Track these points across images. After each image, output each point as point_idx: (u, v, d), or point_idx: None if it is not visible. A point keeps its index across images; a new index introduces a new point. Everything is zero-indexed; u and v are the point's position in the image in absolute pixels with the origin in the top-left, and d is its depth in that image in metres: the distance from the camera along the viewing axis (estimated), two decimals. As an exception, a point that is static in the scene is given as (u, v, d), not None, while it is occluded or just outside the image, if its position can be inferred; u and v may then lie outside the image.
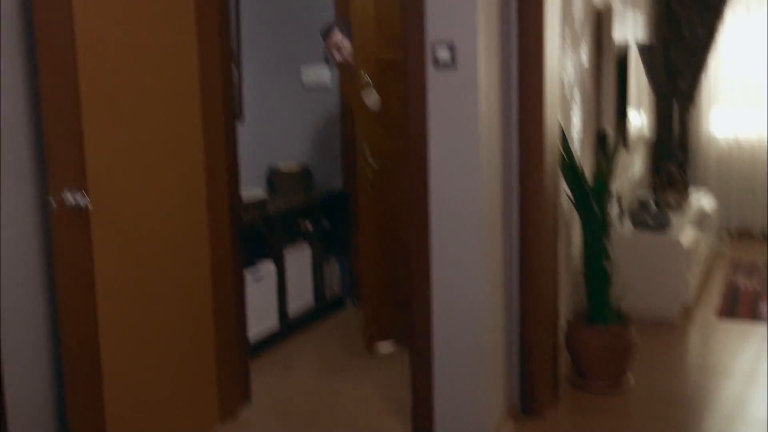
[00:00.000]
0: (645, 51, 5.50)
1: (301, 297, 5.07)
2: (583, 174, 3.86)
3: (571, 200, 3.94)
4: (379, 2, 4.23)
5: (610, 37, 4.79)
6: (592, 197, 3.84)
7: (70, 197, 2.78)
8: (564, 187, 3.88)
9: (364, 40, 4.24)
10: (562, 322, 4.03)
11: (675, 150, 6.82)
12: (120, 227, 3.01)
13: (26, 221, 2.86)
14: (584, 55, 4.55)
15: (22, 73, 2.79)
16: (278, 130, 5.52)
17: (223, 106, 3.44)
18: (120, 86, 2.96)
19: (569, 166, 3.83)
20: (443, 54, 3.04)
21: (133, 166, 3.05)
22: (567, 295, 4.34)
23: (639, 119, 5.56)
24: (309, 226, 5.11)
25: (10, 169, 2.78)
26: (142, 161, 3.08)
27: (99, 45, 2.85)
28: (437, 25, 3.06)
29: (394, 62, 4.07)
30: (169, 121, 3.19)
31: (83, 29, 2.78)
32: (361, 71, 4.21)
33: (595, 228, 3.87)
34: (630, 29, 5.46)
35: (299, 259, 5.02)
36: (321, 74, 5.42)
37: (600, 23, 4.79)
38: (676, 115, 6.82)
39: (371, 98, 4.19)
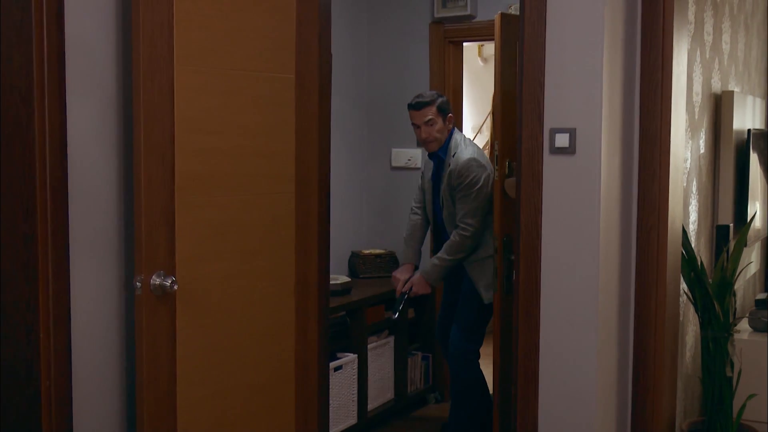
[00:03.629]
0: (760, 138, 5.33)
1: (381, 392, 4.95)
2: (703, 271, 3.69)
3: (690, 299, 3.76)
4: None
5: (729, 124, 4.66)
6: (713, 297, 3.66)
7: (157, 280, 2.73)
8: (682, 284, 3.71)
9: (507, 125, 4.09)
10: (676, 435, 3.82)
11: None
12: (205, 312, 2.96)
13: (108, 304, 2.82)
14: (702, 143, 4.42)
15: (117, 153, 2.79)
16: (363, 211, 5.49)
17: (318, 189, 3.40)
18: (215, 165, 2.94)
19: (688, 261, 3.67)
20: (562, 139, 2.96)
21: (222, 249, 3.00)
22: (678, 401, 4.12)
23: (756, 212, 5.37)
24: (393, 315, 5.01)
25: (95, 250, 2.75)
26: (231, 243, 3.04)
27: (197, 123, 2.85)
28: (557, 111, 2.99)
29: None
30: (262, 201, 3.15)
31: (182, 108, 2.77)
32: (505, 159, 4.09)
33: (717, 331, 3.68)
34: (749, 116, 5.31)
35: (381, 351, 4.92)
36: (412, 156, 5.41)
37: (718, 109, 4.67)
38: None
39: (513, 185, 4.06)
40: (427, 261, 4.61)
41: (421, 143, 4.59)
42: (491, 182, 4.27)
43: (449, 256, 4.36)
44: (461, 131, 4.66)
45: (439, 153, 4.47)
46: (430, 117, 4.39)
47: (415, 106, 4.44)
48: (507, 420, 4.15)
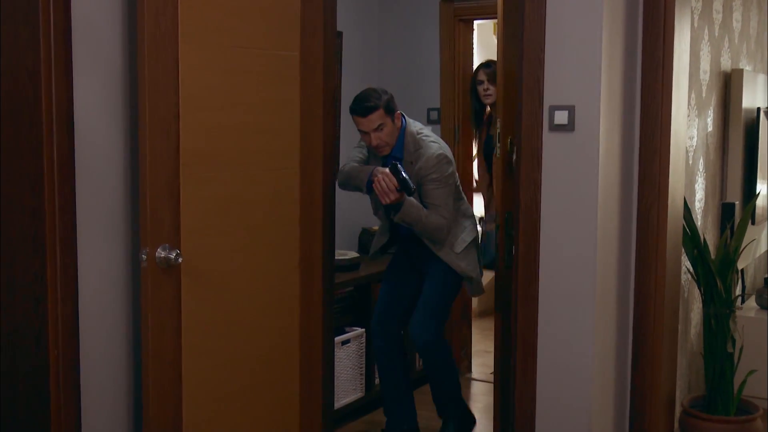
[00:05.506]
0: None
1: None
2: (706, 248, 3.73)
3: (693, 276, 3.80)
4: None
5: (738, 103, 4.67)
6: (716, 274, 3.70)
7: (162, 253, 2.80)
8: (685, 261, 3.75)
9: (509, 103, 4.10)
10: (677, 408, 3.86)
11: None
12: (210, 285, 3.03)
13: (114, 275, 2.89)
14: (710, 121, 4.44)
15: (123, 129, 2.85)
16: (374, 189, 5.52)
17: (323, 165, 3.45)
18: (219, 141, 3.00)
19: (691, 239, 3.70)
20: (561, 117, 3.00)
21: (227, 223, 3.07)
22: (683, 377, 4.17)
23: (762, 190, 5.37)
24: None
25: (102, 224, 2.83)
26: (236, 218, 3.10)
27: (201, 100, 2.90)
28: (556, 88, 3.03)
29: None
30: (266, 177, 3.21)
31: (187, 85, 2.83)
32: (507, 137, 4.11)
33: (719, 307, 3.72)
34: (760, 94, 5.31)
35: (391, 326, 4.97)
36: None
37: (728, 87, 4.68)
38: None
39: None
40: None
41: (371, 149, 4.07)
42: (456, 177, 4.08)
43: (427, 215, 3.94)
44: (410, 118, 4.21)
45: (394, 154, 4.02)
46: (378, 123, 3.88)
47: (360, 112, 3.90)
48: (505, 395, 4.22)
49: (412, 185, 3.80)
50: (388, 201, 3.86)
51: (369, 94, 3.92)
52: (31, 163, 2.63)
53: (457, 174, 4.13)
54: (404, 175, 3.79)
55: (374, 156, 4.08)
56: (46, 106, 2.60)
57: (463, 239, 4.09)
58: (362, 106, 3.88)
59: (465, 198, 4.25)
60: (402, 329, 4.31)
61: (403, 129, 4.01)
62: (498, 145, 3.88)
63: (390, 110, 3.92)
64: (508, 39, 4.05)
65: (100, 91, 2.77)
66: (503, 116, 4.04)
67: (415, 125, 4.08)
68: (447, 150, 4.05)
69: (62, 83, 2.63)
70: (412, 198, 3.90)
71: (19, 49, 2.60)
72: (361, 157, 4.18)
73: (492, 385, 5.15)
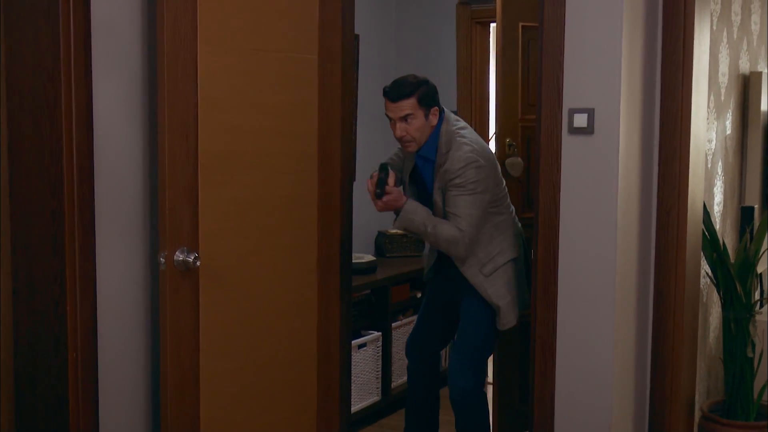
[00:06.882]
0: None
1: (406, 370, 5.00)
2: (726, 252, 3.70)
3: (712, 280, 3.78)
4: (526, 67, 4.18)
5: (757, 105, 4.64)
6: (735, 278, 3.68)
7: (180, 256, 2.80)
8: (703, 265, 3.73)
9: (508, 105, 4.16)
10: (697, 413, 3.84)
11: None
12: (228, 288, 3.03)
13: (133, 278, 2.90)
14: (728, 124, 4.42)
15: (142, 132, 2.86)
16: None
17: (341, 168, 3.45)
18: (238, 144, 3.00)
19: (710, 242, 3.68)
20: (580, 119, 3.00)
21: (245, 226, 3.07)
22: (702, 382, 4.15)
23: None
24: (418, 294, 5.06)
25: (121, 226, 2.83)
26: (254, 220, 3.10)
27: (220, 103, 2.91)
28: (576, 91, 3.03)
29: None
30: (284, 179, 3.21)
31: (206, 87, 2.83)
32: (506, 138, 4.13)
33: (739, 311, 3.69)
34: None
35: (407, 330, 4.97)
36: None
37: (746, 90, 4.65)
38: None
39: (515, 164, 4.11)
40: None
41: (397, 140, 3.63)
42: (490, 184, 3.53)
43: (435, 225, 3.48)
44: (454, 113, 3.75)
45: (423, 153, 3.59)
46: (408, 112, 3.47)
47: (391, 96, 3.51)
48: (507, 401, 4.26)
49: (382, 189, 3.44)
50: (377, 208, 3.52)
51: (406, 80, 3.53)
52: (50, 164, 2.64)
53: (501, 183, 3.64)
54: (381, 176, 3.44)
55: (410, 159, 3.72)
56: (65, 108, 2.61)
57: (495, 260, 3.60)
58: (394, 90, 3.51)
59: (511, 211, 3.72)
60: (435, 353, 4.02)
61: (438, 126, 3.55)
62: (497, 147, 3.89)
63: (425, 103, 3.49)
64: (507, 44, 4.11)
65: (120, 94, 2.78)
66: (500, 118, 4.08)
67: (456, 124, 3.59)
68: (483, 154, 3.52)
69: (82, 85, 2.65)
70: (417, 204, 3.52)
71: (40, 51, 2.61)
72: (396, 159, 3.87)
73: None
